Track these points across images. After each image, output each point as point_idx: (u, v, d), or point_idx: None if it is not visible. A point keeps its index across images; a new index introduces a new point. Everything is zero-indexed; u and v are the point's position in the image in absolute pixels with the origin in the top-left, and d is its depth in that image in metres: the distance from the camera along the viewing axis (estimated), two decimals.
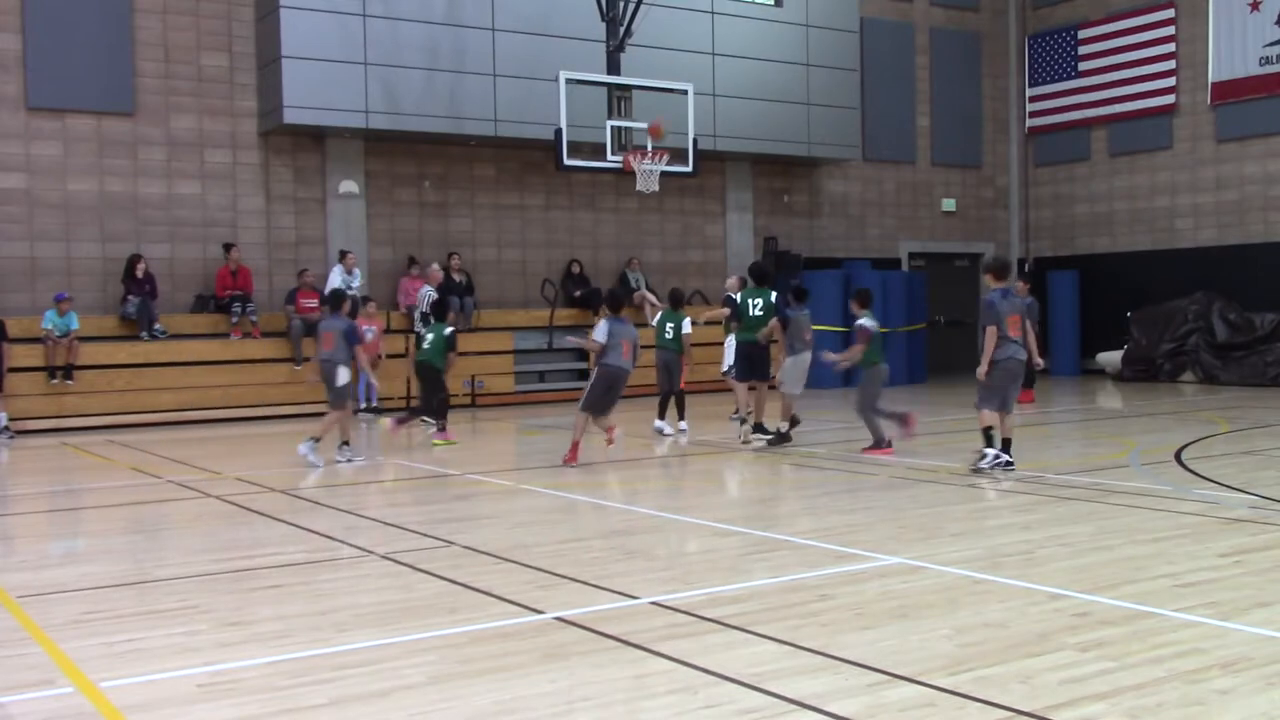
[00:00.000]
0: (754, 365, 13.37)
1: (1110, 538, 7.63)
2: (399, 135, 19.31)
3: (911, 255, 25.31)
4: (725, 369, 14.66)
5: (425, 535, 8.07)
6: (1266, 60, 21.92)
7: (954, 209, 25.97)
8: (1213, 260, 22.62)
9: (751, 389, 13.39)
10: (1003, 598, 6.10)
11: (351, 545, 7.80)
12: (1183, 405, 17.69)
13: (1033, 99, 26.16)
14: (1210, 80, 22.85)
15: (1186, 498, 9.11)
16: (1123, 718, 4.29)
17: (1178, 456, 11.50)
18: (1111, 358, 23.15)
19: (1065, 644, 5.19)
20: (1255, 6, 22.06)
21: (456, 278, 19.47)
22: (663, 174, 18.44)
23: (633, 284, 21.10)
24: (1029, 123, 26.29)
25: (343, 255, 18.75)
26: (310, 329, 18.01)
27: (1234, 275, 22.06)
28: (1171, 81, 23.54)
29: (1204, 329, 21.79)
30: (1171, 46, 23.52)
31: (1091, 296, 24.05)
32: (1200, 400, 18.39)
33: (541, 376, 20.25)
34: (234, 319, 17.97)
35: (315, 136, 19.07)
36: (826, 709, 4.41)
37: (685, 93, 18.66)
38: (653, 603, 6.04)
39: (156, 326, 17.42)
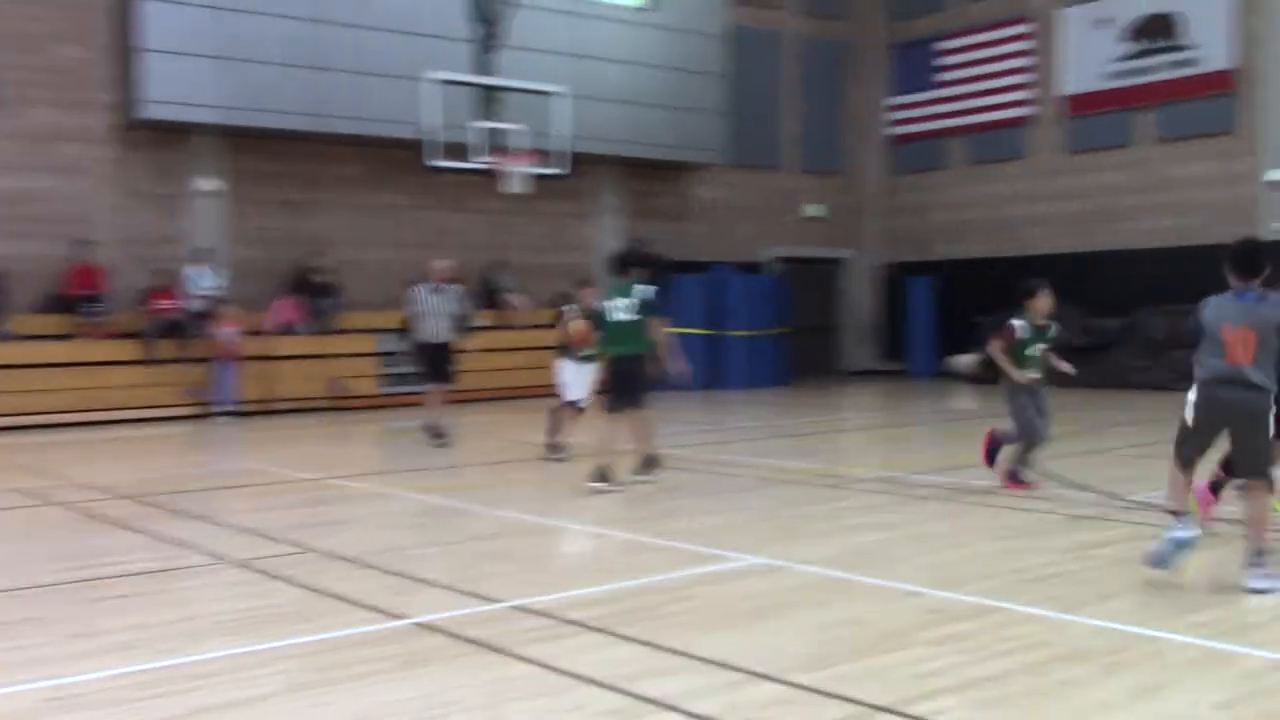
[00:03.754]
0: (622, 387, 10.18)
1: (963, 535, 7.86)
2: (264, 132, 18.88)
3: (777, 260, 25.67)
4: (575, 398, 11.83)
5: (283, 541, 7.89)
6: (1114, 75, 22.84)
7: (822, 214, 26.43)
8: (1063, 267, 23.41)
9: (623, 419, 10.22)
10: (861, 596, 6.24)
11: (205, 552, 7.59)
12: None
13: (895, 108, 26.78)
14: (1062, 94, 23.71)
15: (1036, 495, 9.43)
16: (972, 709, 4.42)
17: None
18: (966, 361, 23.79)
19: (919, 639, 5.33)
20: (1103, 24, 22.96)
21: (319, 278, 19.12)
22: (534, 176, 18.42)
23: (502, 286, 21.00)
24: (891, 131, 26.92)
25: (204, 255, 18.26)
26: (167, 329, 17.54)
27: (1082, 282, 22.88)
28: (1026, 94, 24.34)
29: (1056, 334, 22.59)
30: (1026, 60, 24.32)
31: (949, 301, 24.73)
32: (1051, 402, 18.99)
33: (406, 379, 19.98)
34: (84, 319, 17.34)
35: (177, 132, 18.51)
36: (687, 708, 4.45)
37: (557, 95, 18.66)
38: (515, 606, 6.02)
39: (3, 327, 16.72)
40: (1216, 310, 6.45)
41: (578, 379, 11.64)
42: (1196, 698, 4.51)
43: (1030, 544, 7.53)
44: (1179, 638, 5.32)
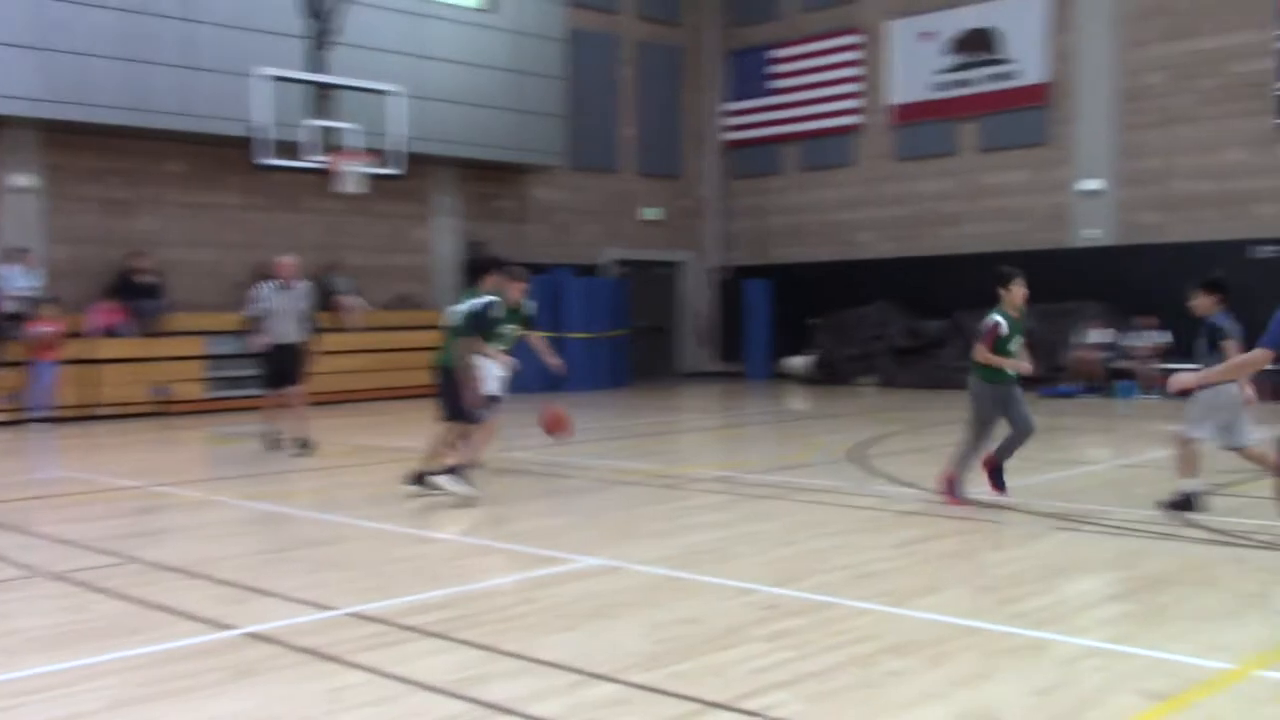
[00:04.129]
0: (439, 396, 9.97)
1: (797, 533, 8.05)
2: (84, 127, 18.08)
3: (615, 262, 25.81)
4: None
5: (103, 552, 7.58)
6: (939, 86, 23.68)
7: (660, 217, 26.68)
8: (890, 271, 24.19)
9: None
10: (697, 594, 6.33)
11: (17, 565, 7.24)
12: (864, 407, 18.84)
13: (731, 114, 27.23)
14: (890, 103, 24.47)
15: (865, 493, 9.71)
16: (804, 703, 4.53)
17: (858, 455, 12.22)
18: (800, 362, 24.35)
19: (754, 636, 5.43)
20: (927, 37, 23.78)
21: (142, 279, 18.43)
22: (370, 176, 18.12)
23: (337, 288, 20.59)
24: (727, 136, 27.36)
25: (19, 254, 17.40)
26: None
27: (909, 285, 23.68)
28: (856, 103, 25.04)
29: (883, 335, 23.35)
30: (856, 70, 25.02)
31: (784, 304, 25.25)
32: (880, 402, 19.64)
33: (237, 383, 19.43)
34: None
35: None
36: (526, 711, 4.44)
37: (393, 94, 18.39)
38: (350, 613, 5.92)
39: None
40: None
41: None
42: (1015, 686, 4.71)
43: (861, 540, 7.75)
44: (1001, 628, 5.55)
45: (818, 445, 13.48)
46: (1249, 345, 6.40)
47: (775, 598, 6.16)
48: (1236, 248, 19.64)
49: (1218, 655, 5.06)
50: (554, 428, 10.83)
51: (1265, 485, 9.86)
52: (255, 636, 5.51)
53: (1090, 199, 21.80)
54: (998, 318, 8.97)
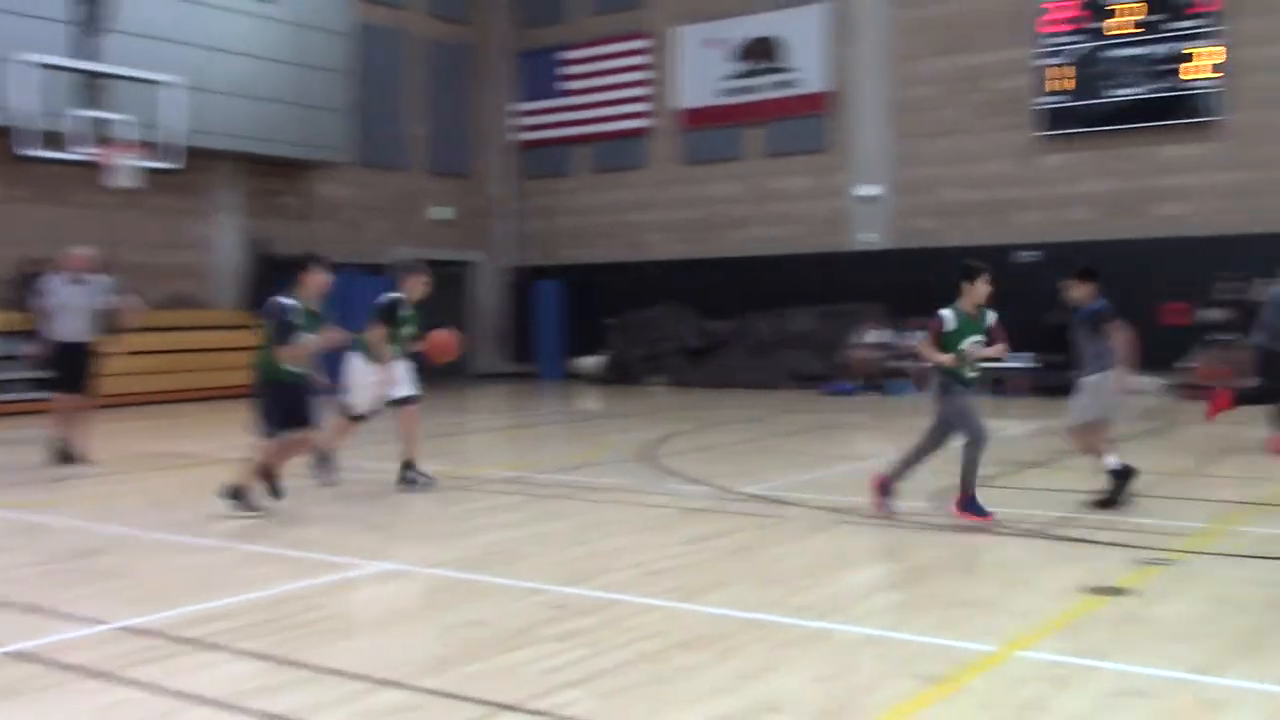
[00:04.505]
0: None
1: (587, 532, 8.10)
2: None
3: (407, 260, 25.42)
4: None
5: None
6: (726, 92, 24.23)
7: (449, 217, 26.40)
8: (680, 272, 24.61)
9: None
10: (487, 596, 6.30)
11: None
12: (654, 406, 19.12)
13: (522, 114, 27.19)
14: (678, 108, 24.89)
15: (655, 491, 9.85)
16: (596, 700, 4.56)
17: (648, 454, 12.39)
18: (592, 362, 24.54)
19: (544, 636, 5.44)
20: (713, 43, 24.29)
21: None
22: (145, 170, 17.34)
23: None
24: (519, 136, 27.31)
25: None
26: None
27: (699, 286, 24.14)
28: (645, 106, 25.38)
29: (673, 336, 23.76)
30: (645, 74, 25.36)
31: (575, 304, 25.37)
32: (670, 401, 19.97)
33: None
34: None
35: None
36: None
37: (168, 85, 17.64)
38: (122, 627, 5.64)
39: None
40: None
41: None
42: (799, 675, 4.86)
43: (650, 539, 7.85)
44: (785, 620, 5.72)
45: (608, 445, 13.60)
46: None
47: (566, 597, 6.19)
48: (1000, 252, 20.78)
49: (983, 638, 5.35)
50: (438, 354, 10.30)
51: (1027, 476, 10.48)
52: (15, 655, 5.20)
53: (867, 204, 22.69)
54: (945, 312, 8.20)
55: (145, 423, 16.43)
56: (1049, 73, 20.70)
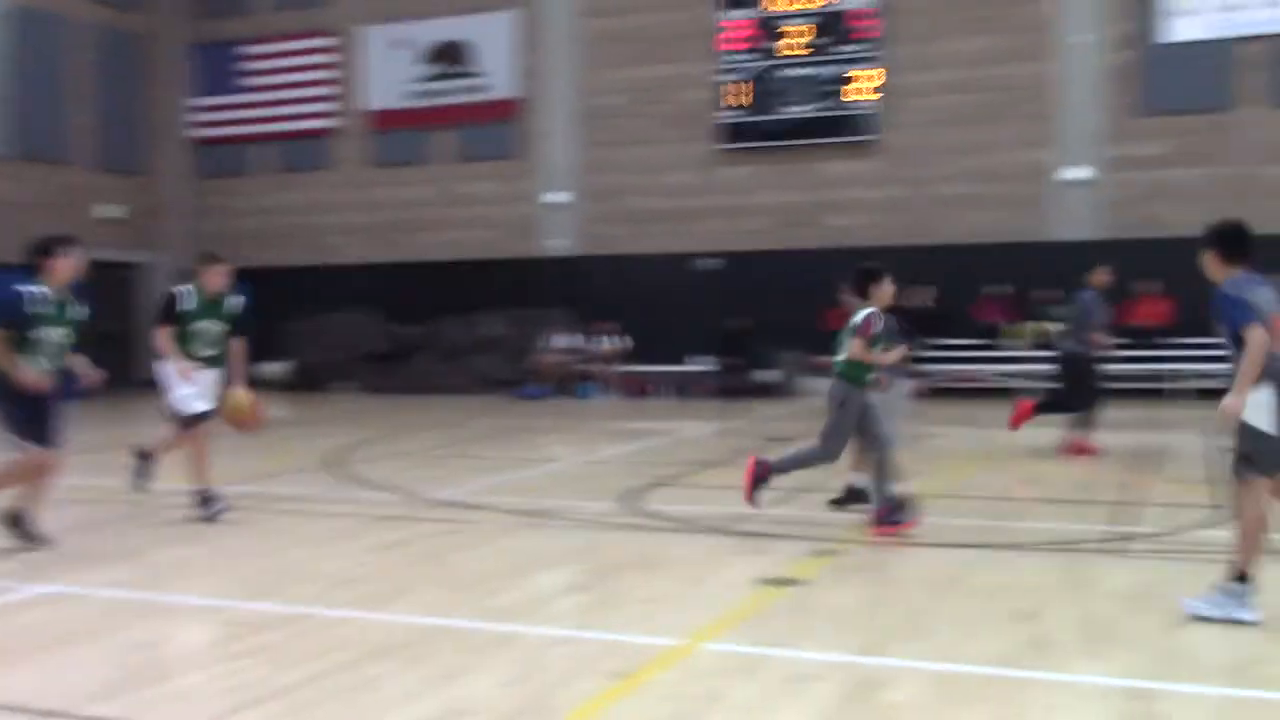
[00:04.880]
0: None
1: (271, 545, 7.84)
2: None
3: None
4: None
5: None
6: (415, 95, 24.00)
7: (119, 215, 24.86)
8: (370, 276, 24.18)
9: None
10: (164, 616, 6.00)
11: None
12: (342, 413, 18.70)
13: (198, 109, 25.96)
14: (366, 109, 24.45)
15: (344, 500, 9.66)
16: (285, 715, 4.44)
17: (335, 461, 12.11)
18: (277, 368, 23.72)
19: (226, 654, 5.25)
20: (400, 45, 24.01)
21: None
22: None
23: None
24: (196, 133, 26.06)
25: None
26: None
27: (388, 291, 23.79)
28: (330, 106, 24.78)
29: (362, 341, 23.31)
30: (329, 73, 24.75)
31: (258, 308, 24.36)
32: (358, 408, 19.57)
33: None
34: None
35: None
36: None
37: None
38: None
39: None
40: (1263, 298, 5.54)
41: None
42: (489, 678, 4.89)
43: (337, 548, 7.69)
44: (474, 624, 5.74)
45: (293, 453, 13.20)
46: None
47: (250, 613, 5.97)
48: (683, 260, 21.63)
49: (668, 633, 5.55)
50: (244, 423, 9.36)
51: (709, 475, 10.93)
52: None
53: (556, 211, 23.03)
54: (873, 310, 8.00)
55: None
56: (728, 88, 21.66)
